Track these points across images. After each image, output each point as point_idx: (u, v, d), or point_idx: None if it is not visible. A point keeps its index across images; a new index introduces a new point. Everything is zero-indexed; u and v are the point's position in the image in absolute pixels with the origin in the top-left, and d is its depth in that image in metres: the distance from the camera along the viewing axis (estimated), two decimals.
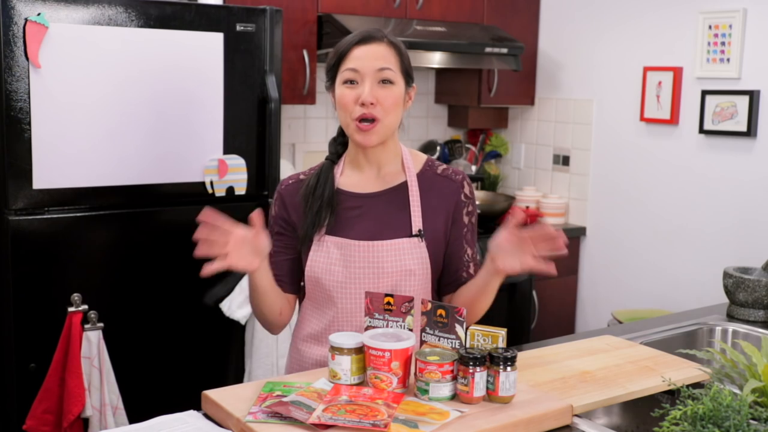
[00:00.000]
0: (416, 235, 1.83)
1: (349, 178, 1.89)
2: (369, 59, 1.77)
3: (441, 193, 1.87)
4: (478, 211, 3.82)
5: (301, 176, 1.92)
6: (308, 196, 1.85)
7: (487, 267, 1.76)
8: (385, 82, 1.78)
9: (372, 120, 1.77)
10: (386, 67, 1.77)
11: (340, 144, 1.92)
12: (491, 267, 1.74)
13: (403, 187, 1.87)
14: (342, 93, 1.79)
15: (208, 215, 1.63)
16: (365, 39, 1.79)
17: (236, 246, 1.67)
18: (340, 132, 1.91)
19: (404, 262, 1.81)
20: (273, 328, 1.92)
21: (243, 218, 2.99)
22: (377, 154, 1.86)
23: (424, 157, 1.94)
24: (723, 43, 3.43)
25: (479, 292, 1.81)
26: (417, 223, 1.83)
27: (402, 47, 1.83)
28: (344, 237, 1.82)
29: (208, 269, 1.63)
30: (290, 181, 1.92)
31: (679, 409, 1.43)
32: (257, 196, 3.02)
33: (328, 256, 1.83)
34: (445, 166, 1.92)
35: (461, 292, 1.88)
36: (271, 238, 1.81)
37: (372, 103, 1.76)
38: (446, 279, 1.90)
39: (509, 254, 1.69)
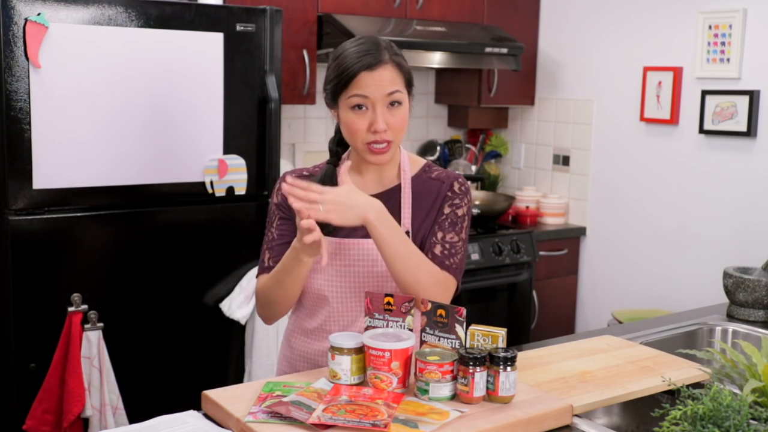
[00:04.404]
0: None
1: (351, 178, 1.89)
2: (377, 86, 1.75)
3: (432, 195, 1.87)
4: (477, 210, 3.85)
5: (305, 172, 1.92)
6: None
7: None
8: (394, 103, 1.77)
9: (384, 142, 1.78)
10: (395, 90, 1.77)
11: (339, 145, 1.92)
12: None
13: (398, 189, 1.87)
14: (351, 119, 1.78)
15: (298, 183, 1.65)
16: (371, 65, 1.75)
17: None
18: (338, 129, 1.90)
19: None
20: (282, 312, 1.86)
21: (243, 218, 3.03)
22: None
23: (422, 162, 1.94)
24: (723, 43, 3.43)
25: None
26: (406, 224, 1.84)
27: (403, 62, 1.82)
28: (335, 236, 1.82)
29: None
30: (294, 174, 1.92)
31: (679, 409, 1.43)
32: (257, 196, 3.02)
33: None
34: (441, 170, 1.92)
35: None
36: (274, 225, 1.85)
37: (385, 130, 1.76)
38: None
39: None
